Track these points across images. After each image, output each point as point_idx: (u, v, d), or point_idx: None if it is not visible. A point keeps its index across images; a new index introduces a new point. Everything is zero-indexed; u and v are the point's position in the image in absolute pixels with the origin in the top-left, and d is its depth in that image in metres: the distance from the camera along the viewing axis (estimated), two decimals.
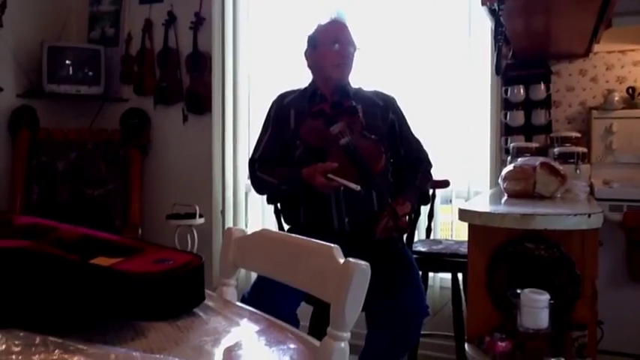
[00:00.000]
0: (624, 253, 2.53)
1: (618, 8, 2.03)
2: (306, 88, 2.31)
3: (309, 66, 2.29)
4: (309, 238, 1.05)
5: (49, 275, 0.75)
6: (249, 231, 1.20)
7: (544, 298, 1.52)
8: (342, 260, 0.91)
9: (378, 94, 2.32)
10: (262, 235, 1.17)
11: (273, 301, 1.66)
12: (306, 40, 2.29)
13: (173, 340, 0.79)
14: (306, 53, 2.28)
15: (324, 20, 2.29)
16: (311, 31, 2.29)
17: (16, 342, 0.64)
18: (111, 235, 1.10)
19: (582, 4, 1.95)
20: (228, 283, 1.15)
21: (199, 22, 3.62)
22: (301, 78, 2.38)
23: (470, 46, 3.07)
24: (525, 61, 2.93)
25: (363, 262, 0.88)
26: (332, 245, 0.96)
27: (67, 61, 3.68)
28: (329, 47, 2.20)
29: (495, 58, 2.06)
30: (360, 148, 2.04)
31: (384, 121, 2.24)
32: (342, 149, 2.04)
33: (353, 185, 1.94)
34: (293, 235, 1.25)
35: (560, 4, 1.96)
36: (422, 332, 2.09)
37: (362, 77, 2.48)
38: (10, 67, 3.51)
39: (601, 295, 1.77)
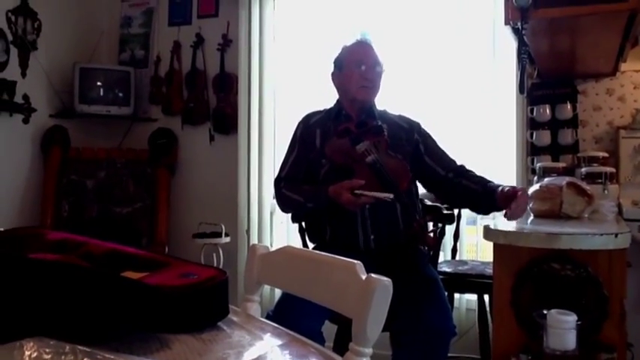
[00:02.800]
0: None
1: None
2: (331, 109, 2.32)
3: (336, 87, 2.30)
4: (332, 255, 1.06)
5: (80, 287, 0.77)
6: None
7: (571, 319, 1.49)
8: (364, 276, 0.92)
9: (403, 118, 2.32)
10: (286, 251, 1.19)
11: (297, 318, 1.66)
12: (333, 62, 2.29)
13: (197, 352, 0.80)
14: (332, 75, 2.29)
15: (350, 42, 2.27)
16: (336, 52, 2.29)
17: (47, 350, 0.66)
18: (138, 250, 1.12)
19: (606, 23, 1.94)
20: (252, 299, 1.16)
21: (226, 43, 3.70)
22: (326, 98, 2.41)
23: (495, 66, 3.07)
24: (551, 80, 2.92)
25: (385, 278, 0.89)
26: (354, 261, 0.96)
27: (98, 82, 3.78)
28: (354, 69, 2.19)
29: (519, 77, 2.05)
30: (387, 166, 2.05)
31: (408, 141, 2.23)
32: (368, 167, 2.05)
33: (384, 195, 1.92)
34: (316, 251, 1.25)
35: (583, 23, 1.95)
36: (448, 354, 2.06)
37: (388, 98, 2.49)
38: (44, 88, 3.61)
39: (630, 318, 1.73)
